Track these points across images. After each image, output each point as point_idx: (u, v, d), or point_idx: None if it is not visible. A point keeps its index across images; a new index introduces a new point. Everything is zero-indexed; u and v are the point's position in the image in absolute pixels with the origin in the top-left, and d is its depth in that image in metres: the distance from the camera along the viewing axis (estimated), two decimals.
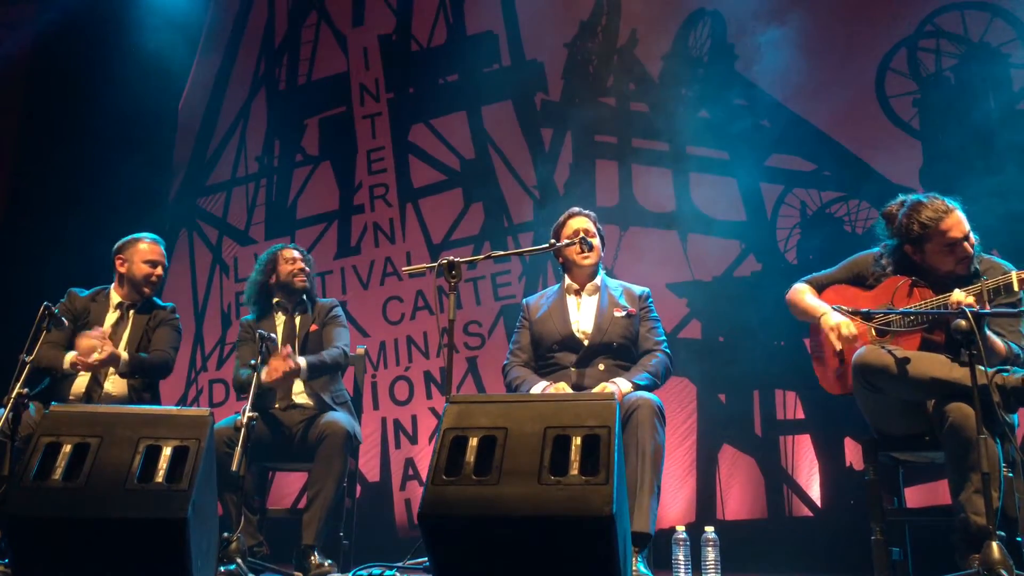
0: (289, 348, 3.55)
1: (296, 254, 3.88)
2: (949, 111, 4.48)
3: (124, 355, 3.62)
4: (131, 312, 3.81)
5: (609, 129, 5.23)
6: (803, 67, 4.77)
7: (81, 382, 3.63)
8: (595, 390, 3.22)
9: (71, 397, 3.59)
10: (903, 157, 4.48)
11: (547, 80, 5.41)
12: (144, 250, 3.83)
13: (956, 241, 2.98)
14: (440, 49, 5.76)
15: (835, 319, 3.04)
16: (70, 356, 3.51)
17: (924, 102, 4.57)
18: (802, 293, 3.26)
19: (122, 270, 3.82)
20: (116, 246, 3.87)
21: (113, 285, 3.87)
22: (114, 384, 3.67)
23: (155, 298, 3.91)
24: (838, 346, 3.01)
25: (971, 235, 2.99)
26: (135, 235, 3.89)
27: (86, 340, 3.50)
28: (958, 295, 2.78)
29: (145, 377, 3.71)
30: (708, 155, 4.96)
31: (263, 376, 3.39)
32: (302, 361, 3.56)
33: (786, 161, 4.81)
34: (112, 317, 3.78)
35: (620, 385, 3.19)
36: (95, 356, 3.48)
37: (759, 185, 4.82)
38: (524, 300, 3.68)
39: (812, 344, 3.26)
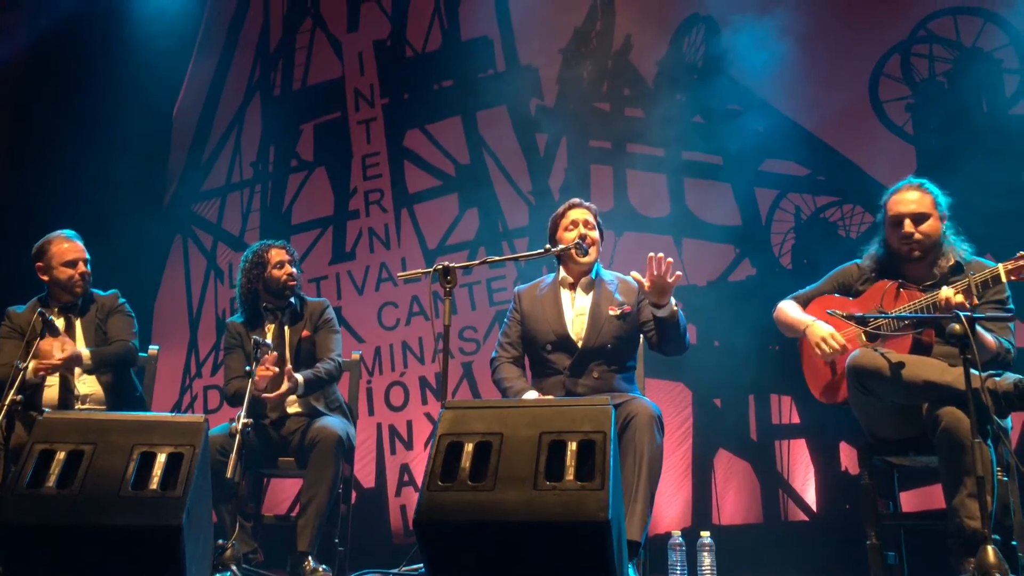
0: (275, 355, 3.48)
1: (284, 256, 3.76)
2: (942, 116, 4.50)
3: (85, 351, 3.59)
4: (73, 313, 3.72)
5: (604, 134, 5.24)
6: (797, 72, 4.79)
7: (51, 392, 3.57)
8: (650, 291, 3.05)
9: (45, 408, 3.51)
10: (897, 161, 4.50)
11: (542, 85, 5.42)
12: (59, 253, 3.69)
13: (897, 217, 3.03)
14: (435, 55, 5.77)
15: (822, 329, 3.06)
16: (32, 364, 3.36)
17: (918, 107, 4.59)
18: (787, 309, 3.29)
19: (45, 279, 3.70)
20: (32, 252, 3.73)
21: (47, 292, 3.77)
22: (86, 384, 3.64)
23: (93, 290, 3.82)
24: (829, 352, 3.02)
25: (928, 218, 3.00)
26: (48, 236, 3.73)
27: (45, 344, 3.37)
28: (946, 291, 2.80)
29: (113, 369, 3.66)
30: (703, 160, 4.98)
31: (256, 388, 3.34)
32: (299, 377, 3.51)
33: (780, 166, 4.83)
34: (59, 324, 3.67)
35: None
36: (57, 356, 3.40)
37: (753, 190, 4.84)
38: (515, 289, 3.61)
39: (803, 356, 3.27)
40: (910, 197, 3.06)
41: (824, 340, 3.03)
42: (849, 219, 4.62)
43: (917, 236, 3.02)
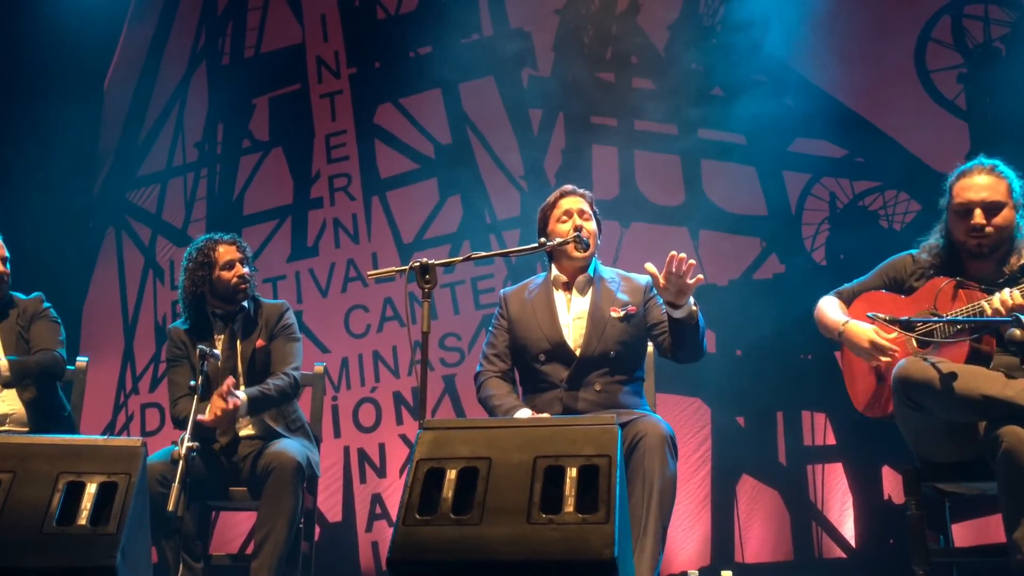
0: (232, 380, 3.46)
1: (234, 253, 3.73)
2: (999, 87, 4.52)
3: (3, 361, 3.58)
4: None
5: (607, 109, 5.24)
6: (832, 38, 4.80)
7: None
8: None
9: None
10: (947, 140, 4.52)
11: (535, 53, 5.42)
12: None
13: (965, 206, 3.00)
14: (411, 16, 5.76)
15: (861, 330, 3.05)
16: None
17: (971, 77, 4.62)
18: (826, 306, 3.28)
19: None
20: None
21: None
22: (5, 401, 3.63)
23: (13, 292, 3.81)
24: (874, 356, 3.01)
25: (1002, 208, 2.98)
26: None
27: None
28: (1002, 296, 2.79)
29: (36, 383, 3.66)
30: (723, 139, 4.99)
31: (202, 418, 3.33)
32: (242, 395, 3.48)
33: (813, 146, 4.84)
34: None
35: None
36: None
37: (782, 174, 4.85)
38: (501, 291, 3.61)
39: (843, 360, 3.28)
40: (981, 182, 3.02)
41: (863, 346, 3.03)
42: (892, 207, 4.64)
43: (988, 229, 2.98)
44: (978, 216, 2.99)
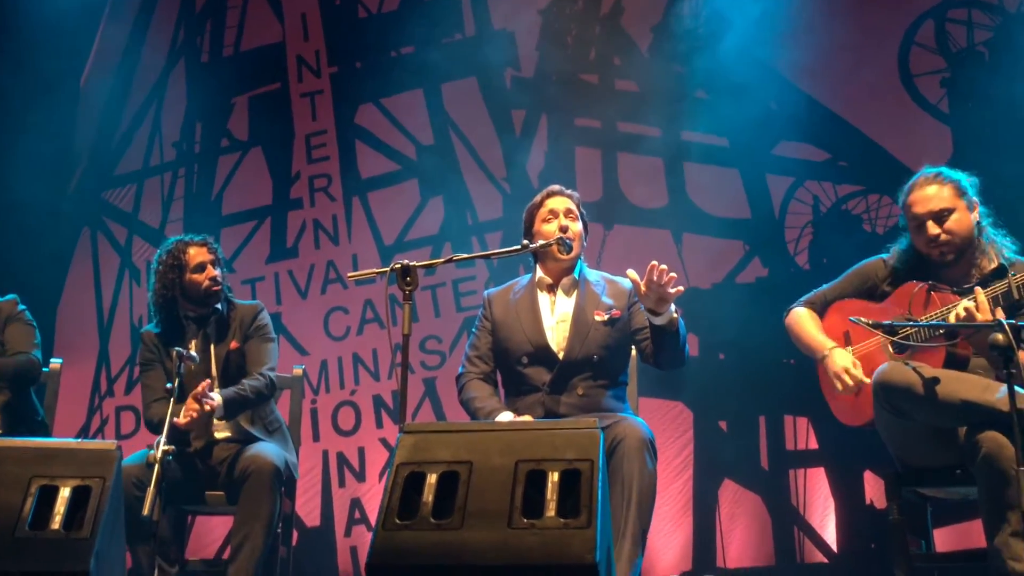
0: (207, 383, 3.44)
1: (205, 255, 3.71)
2: (982, 91, 4.56)
3: None
4: None
5: (591, 111, 5.25)
6: (816, 41, 4.83)
7: None
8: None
9: None
10: (930, 144, 4.56)
11: (518, 53, 5.43)
12: None
13: (917, 220, 3.07)
14: (393, 16, 5.75)
15: (841, 360, 3.08)
16: None
17: (954, 81, 4.65)
18: (802, 322, 3.31)
19: None
20: None
21: None
22: None
23: None
24: (844, 390, 3.05)
25: (951, 213, 3.03)
26: None
27: None
28: (966, 304, 2.82)
29: (11, 386, 3.63)
30: (706, 142, 5.00)
31: (178, 420, 3.32)
32: (217, 397, 3.46)
33: (796, 149, 4.87)
34: None
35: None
36: None
37: (765, 177, 4.87)
38: (486, 293, 3.61)
39: (820, 373, 3.30)
40: (927, 193, 3.08)
41: (839, 375, 3.07)
42: (875, 211, 4.67)
43: (944, 237, 3.04)
44: (931, 228, 3.05)
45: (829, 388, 3.24)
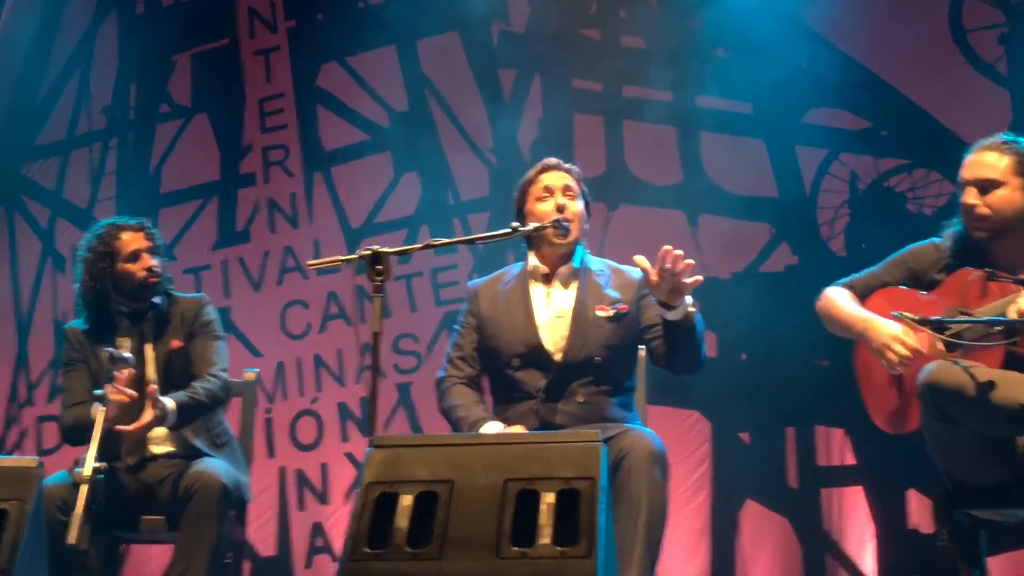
0: (154, 387, 3.41)
1: (141, 242, 3.70)
2: None
3: None
4: None
5: (592, 72, 5.25)
6: None
7: None
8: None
9: None
10: (986, 111, 4.56)
11: (508, 4, 5.42)
12: None
13: (963, 183, 3.10)
14: None
15: (887, 329, 3.06)
16: None
17: (1014, 37, 4.66)
18: (838, 301, 3.29)
19: None
20: None
21: None
22: None
23: None
24: (898, 362, 3.02)
25: (998, 187, 3.04)
26: None
27: None
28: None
29: None
30: (726, 108, 5.01)
31: (124, 428, 3.30)
32: (169, 403, 3.44)
33: (830, 117, 4.87)
34: None
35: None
36: None
37: (794, 149, 4.88)
38: (470, 283, 3.62)
39: (858, 368, 3.30)
40: (981, 158, 3.09)
41: (888, 344, 3.04)
42: (922, 189, 4.68)
43: (980, 210, 3.05)
44: (969, 196, 3.07)
45: (870, 386, 3.24)
